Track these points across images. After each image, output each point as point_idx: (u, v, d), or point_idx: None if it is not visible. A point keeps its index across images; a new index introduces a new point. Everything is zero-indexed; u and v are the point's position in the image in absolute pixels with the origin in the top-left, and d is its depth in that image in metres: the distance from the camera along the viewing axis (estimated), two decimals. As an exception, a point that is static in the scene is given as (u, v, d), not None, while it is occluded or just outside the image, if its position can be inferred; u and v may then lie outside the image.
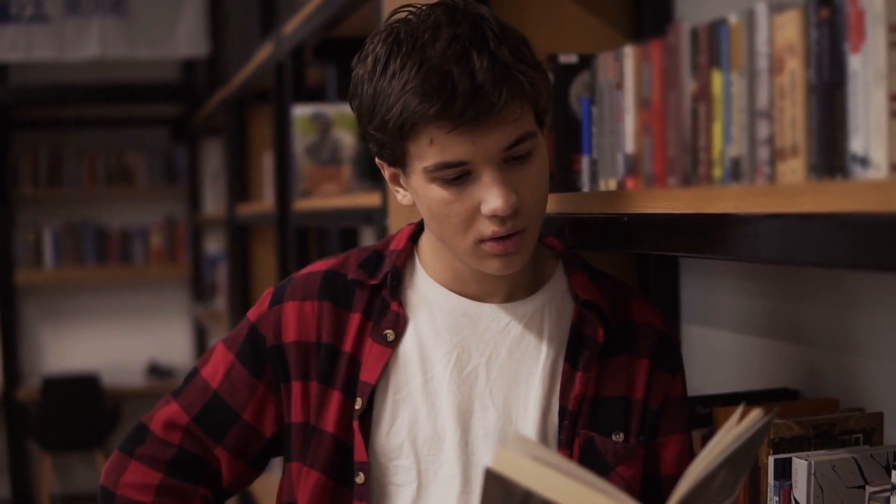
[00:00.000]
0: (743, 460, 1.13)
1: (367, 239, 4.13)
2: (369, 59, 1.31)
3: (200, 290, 6.63)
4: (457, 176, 1.29)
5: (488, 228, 1.30)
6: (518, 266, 1.34)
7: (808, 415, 1.51)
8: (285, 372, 1.43)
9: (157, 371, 6.54)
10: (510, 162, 1.30)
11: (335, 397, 1.40)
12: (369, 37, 1.35)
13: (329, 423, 1.40)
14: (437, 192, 1.30)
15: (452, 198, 1.30)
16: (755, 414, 1.12)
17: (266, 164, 4.39)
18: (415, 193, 1.35)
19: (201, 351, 6.68)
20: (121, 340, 6.66)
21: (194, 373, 1.49)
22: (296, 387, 1.42)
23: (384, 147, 1.33)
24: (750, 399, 1.63)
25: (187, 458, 1.46)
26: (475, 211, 1.30)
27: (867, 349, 1.60)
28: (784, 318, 1.80)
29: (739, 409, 1.15)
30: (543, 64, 1.35)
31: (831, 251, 0.97)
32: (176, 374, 6.60)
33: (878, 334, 1.58)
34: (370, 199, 2.49)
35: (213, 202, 6.31)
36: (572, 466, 1.01)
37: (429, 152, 1.28)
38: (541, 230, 1.38)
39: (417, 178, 1.32)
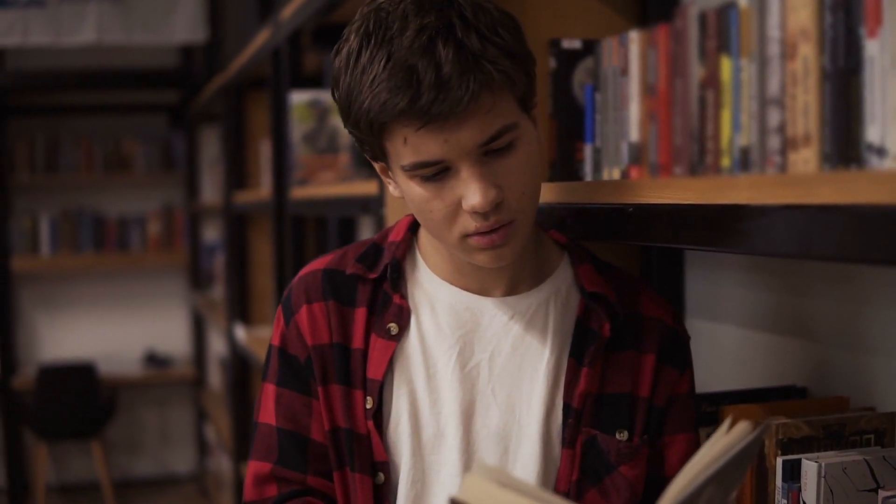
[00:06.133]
0: (732, 475, 1.08)
1: (365, 228, 4.08)
2: (344, 51, 1.25)
3: (198, 278, 6.59)
4: (435, 173, 1.23)
5: (471, 224, 1.25)
6: (509, 258, 1.29)
7: (817, 414, 1.46)
8: (315, 378, 1.38)
9: (154, 360, 6.50)
10: (490, 154, 1.23)
11: (358, 397, 1.36)
12: (347, 25, 1.29)
13: (360, 424, 1.35)
14: (416, 190, 1.25)
15: (431, 195, 1.24)
16: (743, 426, 1.06)
17: (263, 151, 4.34)
18: (399, 188, 1.31)
19: (199, 339, 6.65)
20: (117, 329, 6.63)
21: (255, 426, 1.43)
22: (321, 392, 1.37)
23: (363, 144, 1.28)
24: (759, 397, 1.58)
25: (289, 498, 1.39)
26: (457, 206, 1.24)
27: (879, 346, 1.55)
28: (792, 314, 1.75)
29: (727, 422, 1.09)
30: (529, 43, 1.28)
31: (851, 245, 0.92)
32: (174, 362, 6.57)
33: (890, 331, 1.54)
34: (367, 188, 2.44)
35: (211, 190, 6.27)
36: (541, 491, 0.97)
37: (404, 152, 1.22)
38: (542, 221, 1.32)
39: (398, 174, 1.27)
